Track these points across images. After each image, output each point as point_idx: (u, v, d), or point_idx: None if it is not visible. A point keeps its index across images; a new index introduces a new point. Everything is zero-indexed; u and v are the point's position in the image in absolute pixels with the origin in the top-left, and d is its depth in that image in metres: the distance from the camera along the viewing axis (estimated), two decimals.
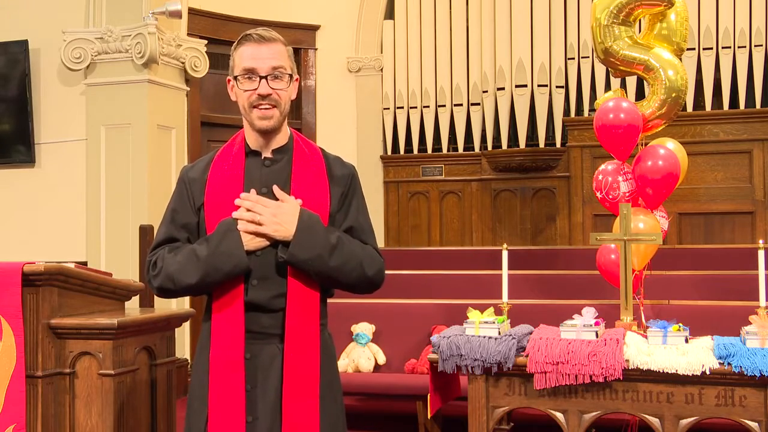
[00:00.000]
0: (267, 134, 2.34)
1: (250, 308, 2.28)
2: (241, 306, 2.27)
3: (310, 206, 2.31)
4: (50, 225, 6.42)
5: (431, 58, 8.16)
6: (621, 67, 4.68)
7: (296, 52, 8.15)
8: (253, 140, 2.36)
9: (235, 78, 2.31)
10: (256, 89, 2.27)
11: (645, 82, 4.81)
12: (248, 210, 2.25)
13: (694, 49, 7.34)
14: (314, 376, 2.30)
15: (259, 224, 2.24)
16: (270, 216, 2.23)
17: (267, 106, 2.28)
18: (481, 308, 3.68)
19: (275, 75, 2.28)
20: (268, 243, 2.26)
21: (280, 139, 2.37)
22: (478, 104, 7.99)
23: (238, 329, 2.27)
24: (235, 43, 2.35)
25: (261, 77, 2.27)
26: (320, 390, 2.31)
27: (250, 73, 2.28)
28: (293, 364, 2.27)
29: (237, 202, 2.26)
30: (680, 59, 4.65)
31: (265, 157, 2.36)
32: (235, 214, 2.26)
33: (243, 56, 2.30)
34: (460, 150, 8.10)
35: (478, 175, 8.08)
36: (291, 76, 2.33)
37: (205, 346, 2.34)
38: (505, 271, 3.78)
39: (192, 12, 6.95)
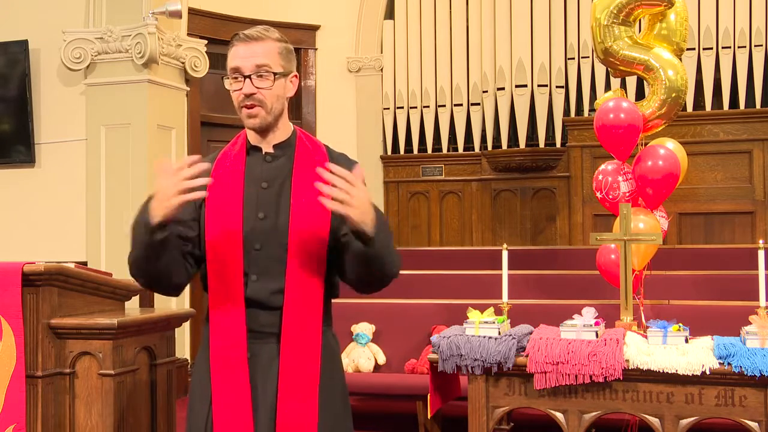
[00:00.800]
0: (262, 132, 2.34)
1: (249, 305, 2.26)
2: (241, 302, 2.25)
3: (312, 202, 2.28)
4: (50, 225, 6.42)
5: (431, 58, 8.16)
6: (621, 67, 4.69)
7: (296, 52, 8.15)
8: (252, 136, 2.37)
9: (224, 78, 2.33)
10: (241, 89, 2.28)
11: (645, 82, 4.81)
12: (335, 185, 2.08)
13: (694, 49, 7.34)
14: (313, 378, 2.26)
15: (349, 204, 2.09)
16: (360, 201, 2.09)
17: (251, 105, 2.28)
18: (481, 308, 3.68)
19: (259, 74, 2.27)
20: (175, 206, 2.14)
21: (280, 135, 2.36)
22: (478, 104, 7.99)
23: (240, 326, 2.25)
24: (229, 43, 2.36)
25: (245, 76, 2.28)
26: (321, 394, 2.27)
27: (235, 72, 2.29)
28: (290, 365, 2.24)
29: (323, 173, 2.08)
30: (680, 59, 4.65)
31: (266, 153, 2.35)
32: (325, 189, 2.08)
33: (233, 56, 2.30)
34: (460, 150, 8.10)
35: (478, 175, 8.07)
36: (280, 74, 2.30)
37: (206, 345, 2.32)
38: (505, 271, 3.78)
39: (192, 12, 6.95)
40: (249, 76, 2.27)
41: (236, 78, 2.29)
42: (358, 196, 2.09)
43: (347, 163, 2.40)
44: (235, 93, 2.30)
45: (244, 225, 2.28)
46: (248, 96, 2.27)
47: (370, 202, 2.14)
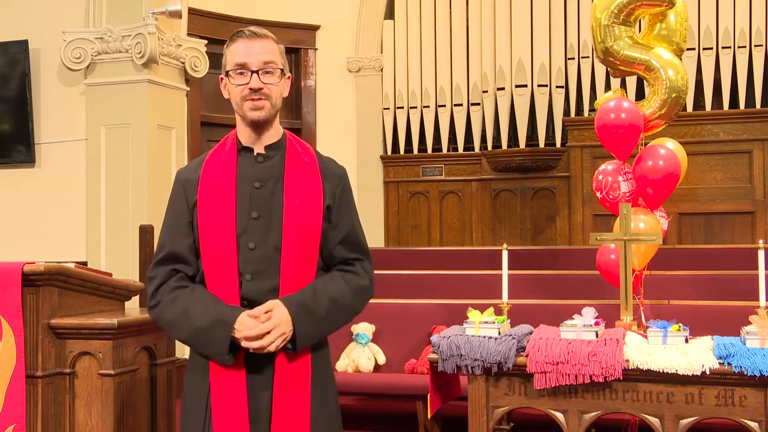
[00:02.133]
0: (259, 128, 2.34)
1: (245, 304, 2.26)
2: (236, 302, 2.26)
3: (304, 201, 2.30)
4: (50, 225, 6.42)
5: (431, 58, 8.16)
6: (621, 67, 4.68)
7: (296, 52, 8.23)
8: (245, 137, 2.36)
9: (227, 74, 2.32)
10: (247, 83, 2.28)
11: (645, 82, 4.81)
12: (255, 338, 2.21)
13: (694, 49, 7.34)
14: (306, 376, 2.28)
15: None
16: (277, 336, 2.21)
17: (258, 98, 2.29)
18: (481, 308, 3.68)
19: (266, 70, 2.29)
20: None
21: (273, 136, 2.37)
22: (478, 104, 7.99)
23: None
24: (228, 41, 2.36)
25: (252, 72, 2.28)
26: (313, 391, 2.29)
27: (241, 68, 2.29)
28: (285, 364, 2.25)
29: (244, 344, 2.21)
30: (680, 59, 4.65)
31: (258, 153, 2.36)
32: (243, 343, 2.22)
33: (235, 52, 2.31)
34: (460, 150, 8.10)
35: (478, 175, 8.07)
36: (282, 71, 2.33)
37: None
38: (505, 271, 3.78)
39: (192, 12, 6.95)
40: (257, 72, 2.28)
41: (241, 73, 2.29)
42: (274, 335, 2.20)
43: (335, 167, 2.43)
44: (239, 87, 2.29)
45: (237, 224, 2.28)
46: (255, 90, 2.28)
47: (283, 326, 2.22)
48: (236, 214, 2.29)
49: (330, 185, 2.37)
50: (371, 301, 2.47)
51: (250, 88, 2.28)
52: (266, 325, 2.21)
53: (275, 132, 2.38)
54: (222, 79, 2.37)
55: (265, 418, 2.26)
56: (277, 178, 2.33)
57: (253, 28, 2.34)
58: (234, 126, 2.43)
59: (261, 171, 2.34)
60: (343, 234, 2.39)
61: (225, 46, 2.36)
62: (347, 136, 8.22)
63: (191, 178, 2.38)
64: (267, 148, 2.36)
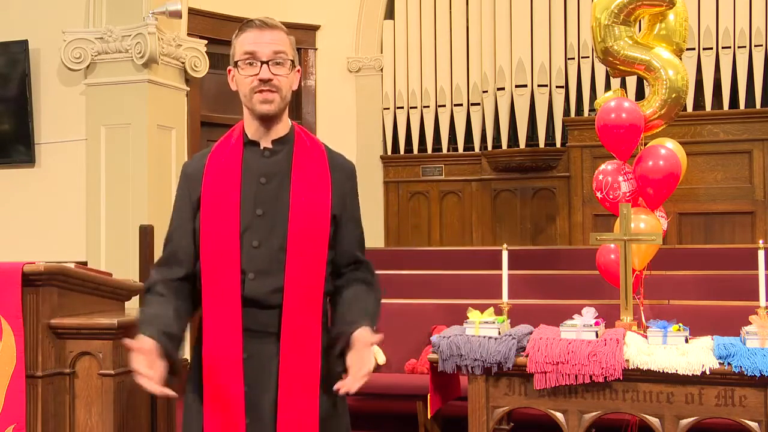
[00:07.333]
0: (268, 122, 2.27)
1: (247, 304, 2.20)
2: (238, 301, 2.19)
3: (311, 197, 2.25)
4: (50, 225, 6.42)
5: (431, 58, 8.16)
6: (621, 67, 4.68)
7: (296, 51, 8.21)
8: (252, 130, 2.30)
9: (236, 64, 2.25)
10: (257, 74, 2.21)
11: (645, 82, 4.81)
12: None
13: (694, 49, 7.34)
14: (314, 378, 2.22)
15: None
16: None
17: (268, 91, 2.22)
18: (481, 308, 3.69)
19: (277, 61, 2.23)
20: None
21: (281, 129, 2.31)
22: (478, 104, 7.99)
23: (235, 326, 2.19)
24: (237, 30, 2.30)
25: (262, 62, 2.22)
26: (323, 394, 2.23)
27: (251, 57, 2.22)
28: (290, 365, 2.19)
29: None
30: (680, 59, 4.65)
31: (264, 148, 2.29)
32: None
33: (244, 42, 2.24)
34: (460, 150, 8.10)
35: (478, 175, 8.08)
36: (293, 63, 2.27)
37: (200, 345, 2.27)
38: (505, 271, 3.78)
39: (192, 12, 6.95)
40: (267, 62, 2.22)
41: (250, 63, 2.23)
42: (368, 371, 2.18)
43: (344, 163, 2.39)
44: (249, 78, 2.22)
45: (241, 221, 2.22)
46: (265, 81, 2.21)
47: (373, 347, 2.22)
48: (240, 211, 2.22)
49: (338, 181, 2.32)
50: None
51: (260, 80, 2.21)
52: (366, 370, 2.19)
53: (283, 126, 2.32)
54: (230, 70, 2.29)
55: (270, 415, 2.20)
56: (283, 173, 2.26)
57: (263, 18, 2.28)
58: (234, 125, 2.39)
59: (267, 166, 2.27)
60: (358, 233, 2.37)
61: (234, 36, 2.29)
62: (347, 136, 8.21)
63: (195, 172, 2.31)
64: (274, 142, 2.29)
